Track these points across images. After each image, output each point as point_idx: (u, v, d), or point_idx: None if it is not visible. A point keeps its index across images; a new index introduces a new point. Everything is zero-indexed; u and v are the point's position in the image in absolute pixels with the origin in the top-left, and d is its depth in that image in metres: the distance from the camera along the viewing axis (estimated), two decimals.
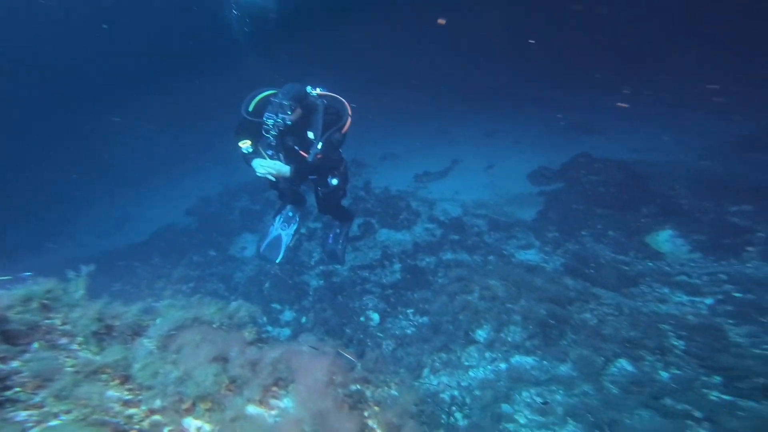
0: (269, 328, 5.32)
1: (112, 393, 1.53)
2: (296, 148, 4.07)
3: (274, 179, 4.04)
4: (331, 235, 5.39)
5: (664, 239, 5.71)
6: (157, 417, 1.51)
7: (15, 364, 1.49)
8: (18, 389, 1.37)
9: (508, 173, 9.38)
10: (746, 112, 10.15)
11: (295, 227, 5.16)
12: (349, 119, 4.13)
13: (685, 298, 4.59)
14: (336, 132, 4.03)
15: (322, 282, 6.22)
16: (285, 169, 3.90)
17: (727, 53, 13.24)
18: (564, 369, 3.61)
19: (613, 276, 5.05)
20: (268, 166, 3.86)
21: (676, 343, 3.75)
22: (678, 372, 3.45)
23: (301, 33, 18.93)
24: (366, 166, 11.13)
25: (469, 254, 6.35)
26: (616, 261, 5.59)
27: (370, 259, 6.49)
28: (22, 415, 1.29)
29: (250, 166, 3.96)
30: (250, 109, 4.03)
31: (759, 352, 3.54)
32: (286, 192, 4.59)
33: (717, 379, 3.34)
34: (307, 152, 4.01)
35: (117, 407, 1.46)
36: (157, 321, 2.14)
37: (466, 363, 3.86)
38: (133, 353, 1.73)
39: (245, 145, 4.00)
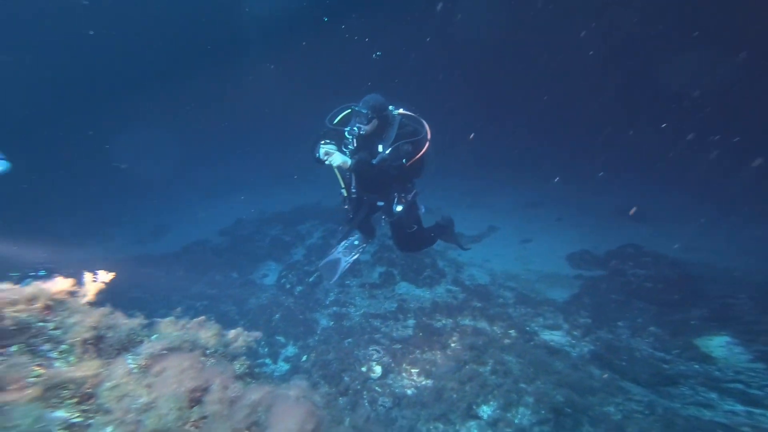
0: (268, 360, 5.11)
1: (60, 413, 1.39)
2: None
3: (327, 161, 3.77)
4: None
5: (718, 344, 5.06)
6: None
7: None
8: None
9: (545, 250, 8.98)
10: None
11: (356, 257, 4.94)
12: (427, 143, 3.96)
13: (739, 408, 3.92)
14: (406, 144, 3.86)
15: (332, 323, 6.02)
16: (346, 159, 3.73)
17: None
18: None
19: (647, 372, 4.50)
20: (330, 151, 3.70)
21: None
22: None
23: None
24: None
25: (489, 324, 5.95)
26: (654, 357, 4.99)
27: (384, 309, 6.25)
28: None
29: (317, 153, 3.78)
30: (336, 121, 4.01)
31: None
32: (357, 216, 4.37)
33: None
34: None
35: (55, 431, 1.32)
36: (152, 338, 2.03)
37: None
38: (109, 370, 1.60)
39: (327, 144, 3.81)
